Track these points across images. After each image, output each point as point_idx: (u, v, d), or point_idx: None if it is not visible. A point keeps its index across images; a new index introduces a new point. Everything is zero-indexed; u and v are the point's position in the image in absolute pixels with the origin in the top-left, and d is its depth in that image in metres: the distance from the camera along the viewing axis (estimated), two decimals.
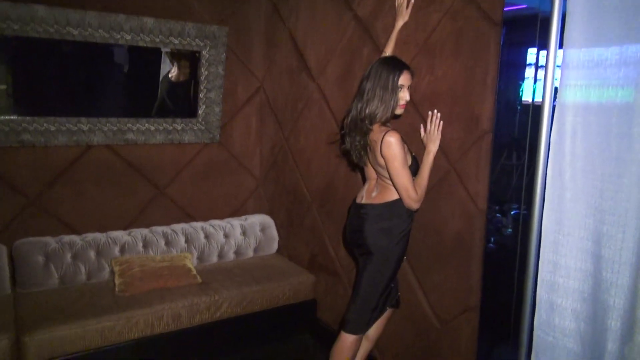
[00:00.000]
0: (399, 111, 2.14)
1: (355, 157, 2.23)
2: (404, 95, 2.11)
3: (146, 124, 3.28)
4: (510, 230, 2.23)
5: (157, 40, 3.15)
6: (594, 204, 1.53)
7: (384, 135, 2.05)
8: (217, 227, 3.50)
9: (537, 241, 1.69)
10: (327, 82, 3.06)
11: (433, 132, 2.20)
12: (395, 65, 2.09)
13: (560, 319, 1.63)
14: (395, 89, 2.07)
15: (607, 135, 1.48)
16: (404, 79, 2.09)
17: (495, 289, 2.21)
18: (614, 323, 1.46)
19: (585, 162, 1.55)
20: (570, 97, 1.56)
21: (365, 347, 2.47)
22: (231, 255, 3.52)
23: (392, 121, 2.29)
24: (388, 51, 2.39)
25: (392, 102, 2.08)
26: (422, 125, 2.27)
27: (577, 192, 1.57)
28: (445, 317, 2.38)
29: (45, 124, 2.94)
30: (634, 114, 1.41)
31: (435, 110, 2.22)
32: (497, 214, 2.25)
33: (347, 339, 2.26)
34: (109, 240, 3.13)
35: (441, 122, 2.20)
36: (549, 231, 1.65)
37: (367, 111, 2.09)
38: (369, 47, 2.70)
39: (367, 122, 2.10)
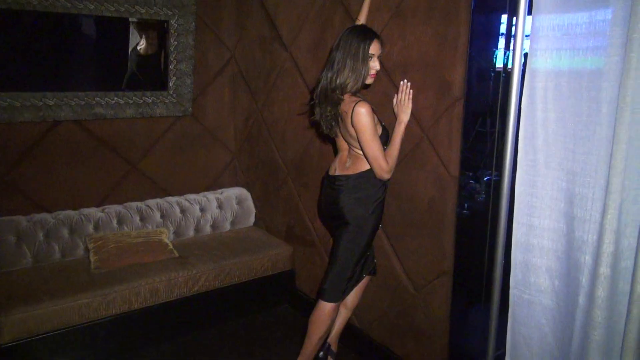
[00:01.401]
0: (369, 81, 2.13)
1: (326, 128, 2.22)
2: (375, 65, 2.09)
3: (115, 98, 3.18)
4: (483, 196, 2.27)
5: (123, 9, 3.04)
6: (566, 166, 1.57)
7: (355, 105, 2.04)
8: (193, 201, 3.48)
9: (507, 204, 1.73)
10: (299, 51, 3.01)
11: (404, 102, 2.20)
12: (366, 34, 2.07)
13: (536, 278, 1.69)
14: (366, 58, 2.05)
15: (579, 99, 1.50)
16: (374, 48, 2.07)
17: (468, 253, 2.26)
18: (585, 280, 1.52)
19: (557, 125, 1.58)
20: (541, 62, 1.58)
21: (343, 315, 2.52)
22: (208, 229, 3.50)
23: (365, 90, 2.27)
24: (362, 19, 2.35)
25: (363, 72, 2.06)
26: (395, 95, 2.26)
27: (549, 155, 1.61)
28: (420, 282, 2.43)
29: (8, 100, 2.83)
30: (602, 79, 1.43)
31: (406, 80, 2.20)
32: (471, 180, 2.28)
33: (324, 308, 2.29)
34: (82, 218, 3.07)
35: (412, 91, 2.19)
36: (522, 194, 1.68)
37: (337, 81, 2.07)
38: (340, 14, 2.65)
39: (338, 92, 2.08)
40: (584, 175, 1.51)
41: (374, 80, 2.18)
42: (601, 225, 1.43)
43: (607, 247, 1.42)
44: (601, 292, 1.44)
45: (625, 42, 1.34)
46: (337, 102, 2.11)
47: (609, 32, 1.40)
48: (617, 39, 1.38)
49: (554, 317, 1.68)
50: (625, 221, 1.41)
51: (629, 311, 1.38)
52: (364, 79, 2.09)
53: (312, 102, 2.26)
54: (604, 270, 1.43)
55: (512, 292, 1.76)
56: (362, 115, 2.02)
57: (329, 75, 2.09)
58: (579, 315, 1.54)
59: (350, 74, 2.05)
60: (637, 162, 1.38)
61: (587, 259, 1.52)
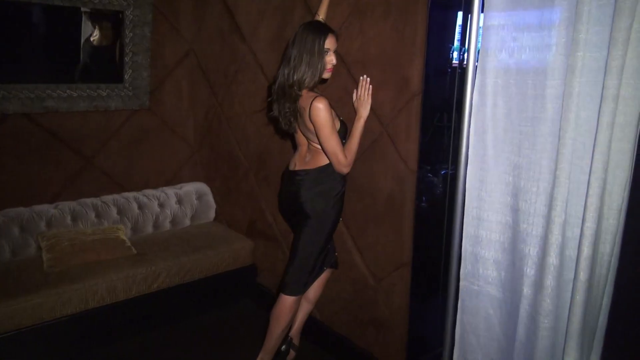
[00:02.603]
0: (326, 75, 2.15)
1: (285, 124, 2.22)
2: (331, 59, 2.11)
3: (68, 90, 3.07)
4: (440, 189, 2.33)
5: None
6: (513, 161, 1.63)
7: (312, 101, 2.05)
8: (151, 196, 3.41)
9: (462, 198, 1.78)
10: (259, 45, 2.99)
11: (363, 97, 2.22)
12: (320, 29, 2.09)
13: (484, 269, 1.75)
14: (322, 53, 2.07)
15: (524, 96, 1.56)
16: (329, 43, 2.08)
17: (427, 245, 2.32)
18: (529, 270, 1.58)
19: (506, 121, 1.63)
20: (491, 59, 1.63)
21: (305, 308, 2.53)
22: (167, 225, 3.44)
23: (324, 85, 2.29)
24: (321, 14, 2.36)
25: (320, 67, 2.08)
26: (355, 90, 2.28)
27: (498, 150, 1.66)
28: (379, 274, 2.47)
29: None
30: (547, 77, 1.49)
31: (365, 75, 2.23)
32: (429, 174, 2.33)
33: (286, 301, 2.30)
34: (34, 215, 2.96)
35: (371, 86, 2.22)
36: (473, 188, 1.74)
37: (295, 77, 2.07)
38: (300, 8, 2.65)
39: (295, 88, 2.09)
40: (529, 170, 1.58)
41: (334, 76, 2.20)
42: (549, 218, 1.50)
43: (556, 239, 1.48)
44: (550, 281, 1.51)
45: (571, 41, 1.40)
46: (295, 98, 2.11)
47: (555, 31, 1.46)
48: (562, 38, 1.44)
49: (500, 307, 1.75)
50: (569, 212, 1.48)
51: (572, 297, 1.45)
52: (321, 73, 2.10)
53: (270, 99, 2.25)
54: (552, 260, 1.50)
55: (462, 283, 1.81)
56: (320, 111, 2.03)
57: (286, 71, 2.10)
58: (524, 305, 1.61)
59: (306, 70, 2.06)
60: (580, 156, 1.45)
61: (531, 250, 1.58)
